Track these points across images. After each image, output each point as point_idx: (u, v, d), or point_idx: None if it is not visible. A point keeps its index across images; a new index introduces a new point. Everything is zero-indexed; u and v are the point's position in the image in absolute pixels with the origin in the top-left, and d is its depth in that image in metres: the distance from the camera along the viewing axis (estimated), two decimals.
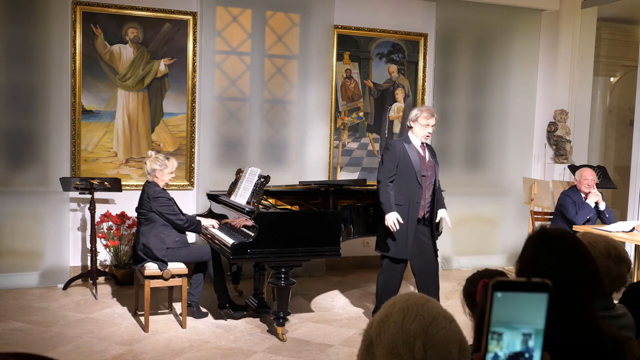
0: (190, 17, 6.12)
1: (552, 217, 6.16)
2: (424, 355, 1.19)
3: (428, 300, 1.27)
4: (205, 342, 4.50)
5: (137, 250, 4.80)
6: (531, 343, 0.93)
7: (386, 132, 6.99)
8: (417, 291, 4.79)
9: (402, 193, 4.66)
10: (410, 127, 4.76)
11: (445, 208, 4.92)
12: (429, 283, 4.80)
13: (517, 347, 0.93)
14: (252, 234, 4.49)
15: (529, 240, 1.74)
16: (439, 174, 4.95)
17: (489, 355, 0.95)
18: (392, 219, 4.59)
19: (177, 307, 5.14)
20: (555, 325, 1.54)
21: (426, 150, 4.82)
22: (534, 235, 1.75)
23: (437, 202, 4.85)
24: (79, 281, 5.86)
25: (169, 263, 4.73)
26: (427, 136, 4.75)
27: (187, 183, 6.25)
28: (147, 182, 4.90)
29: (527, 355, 0.94)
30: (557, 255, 1.66)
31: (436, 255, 4.91)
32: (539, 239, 1.71)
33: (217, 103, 6.28)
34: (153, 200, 4.76)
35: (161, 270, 4.68)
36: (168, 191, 4.92)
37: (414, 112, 4.74)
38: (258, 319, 5.00)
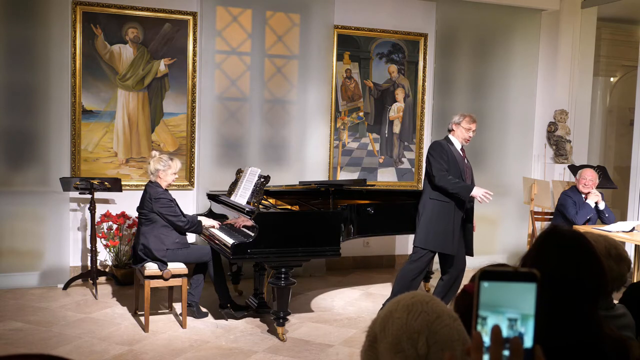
0: (190, 17, 6.12)
1: (552, 217, 6.17)
2: (427, 351, 1.20)
3: (433, 299, 1.28)
4: (205, 342, 4.50)
5: (137, 251, 4.80)
6: (518, 329, 0.92)
7: (386, 132, 6.99)
8: (441, 284, 5.14)
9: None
10: (451, 130, 5.00)
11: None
12: (457, 279, 5.05)
13: (503, 332, 0.92)
14: (252, 234, 4.49)
15: (538, 237, 1.74)
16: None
17: None
18: (480, 192, 4.85)
19: (177, 307, 5.14)
20: (557, 324, 1.54)
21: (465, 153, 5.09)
22: (543, 233, 1.75)
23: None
24: (79, 281, 5.86)
25: (169, 263, 4.73)
26: (468, 140, 4.98)
27: (187, 183, 6.25)
28: (150, 182, 4.89)
29: None
30: (562, 253, 1.66)
31: (471, 254, 5.16)
32: (546, 237, 1.72)
33: (217, 103, 6.28)
34: (154, 201, 4.76)
35: (161, 270, 4.68)
36: (169, 192, 4.92)
37: (457, 117, 5.01)
38: (258, 319, 5.01)
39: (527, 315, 0.91)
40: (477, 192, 4.86)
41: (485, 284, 0.92)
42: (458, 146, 4.98)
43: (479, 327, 0.92)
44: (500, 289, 0.92)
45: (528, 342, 0.91)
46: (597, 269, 1.66)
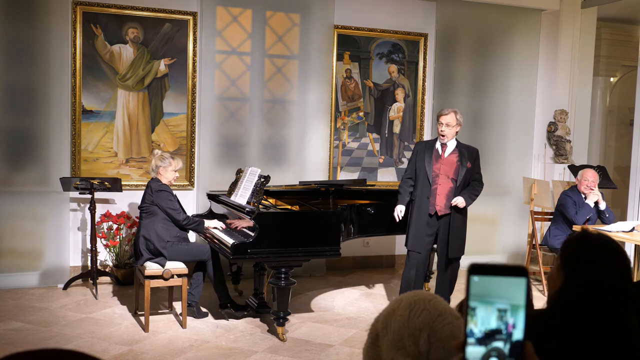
0: (190, 17, 6.12)
1: (552, 217, 6.17)
2: (428, 348, 1.20)
3: (435, 297, 1.29)
4: (205, 342, 4.50)
5: (138, 244, 4.80)
6: (508, 320, 0.91)
7: (386, 132, 6.99)
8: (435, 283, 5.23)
9: (417, 188, 5.06)
10: None
11: (466, 199, 4.93)
12: (443, 278, 5.09)
13: (493, 323, 0.91)
14: (252, 234, 4.49)
15: (570, 243, 1.72)
16: (473, 175, 5.03)
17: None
18: (396, 211, 5.11)
19: (177, 307, 5.14)
20: (594, 325, 1.54)
21: (447, 150, 5.00)
22: (574, 239, 1.73)
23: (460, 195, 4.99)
24: (79, 281, 5.86)
25: (168, 262, 4.73)
26: (442, 135, 4.97)
27: (187, 183, 6.25)
28: (152, 178, 4.96)
29: (504, 333, 0.91)
30: (598, 257, 1.65)
31: (457, 255, 5.06)
32: (580, 242, 1.70)
33: (217, 103, 6.28)
34: (155, 193, 4.81)
35: (161, 266, 4.68)
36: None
37: None
38: (258, 319, 5.01)
39: (516, 305, 0.91)
40: (395, 209, 5.10)
41: (475, 279, 0.92)
42: (438, 144, 5.03)
43: (468, 319, 0.92)
44: (491, 283, 0.92)
45: (518, 333, 0.91)
46: (626, 268, 1.67)
